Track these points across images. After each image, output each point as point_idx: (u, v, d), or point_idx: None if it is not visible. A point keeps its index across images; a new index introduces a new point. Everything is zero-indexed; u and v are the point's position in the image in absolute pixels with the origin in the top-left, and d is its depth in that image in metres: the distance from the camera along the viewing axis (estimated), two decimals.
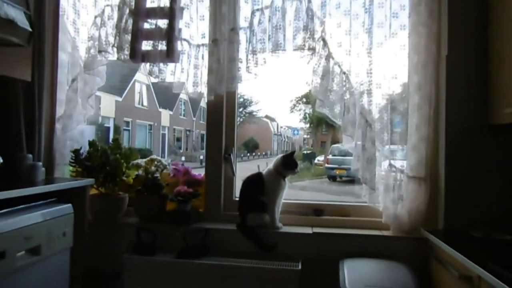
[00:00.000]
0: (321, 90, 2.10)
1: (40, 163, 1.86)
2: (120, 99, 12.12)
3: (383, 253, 1.97)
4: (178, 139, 13.14)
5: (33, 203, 1.64)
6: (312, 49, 2.08)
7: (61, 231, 1.69)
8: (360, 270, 1.85)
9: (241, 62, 2.16)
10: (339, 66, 2.11)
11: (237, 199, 2.23)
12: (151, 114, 12.98)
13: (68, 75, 2.32)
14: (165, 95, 13.02)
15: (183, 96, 12.82)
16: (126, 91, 12.13)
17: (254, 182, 2.13)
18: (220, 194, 2.29)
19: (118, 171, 2.14)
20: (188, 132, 12.90)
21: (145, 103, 13.03)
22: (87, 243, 2.01)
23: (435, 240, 1.80)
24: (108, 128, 11.95)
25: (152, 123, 12.99)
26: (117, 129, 12.11)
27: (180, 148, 12.84)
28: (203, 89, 2.22)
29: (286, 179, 2.14)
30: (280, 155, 2.16)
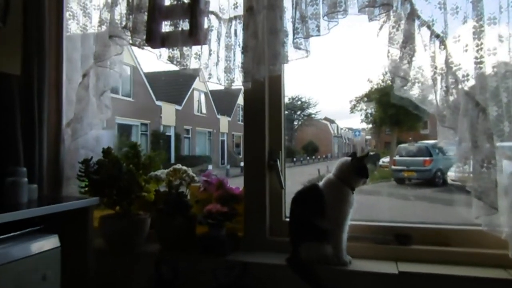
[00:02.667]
0: (402, 63, 1.40)
1: (25, 180, 1.38)
2: (180, 107, 12.10)
3: None
4: (237, 145, 12.81)
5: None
6: (387, 6, 1.39)
7: (39, 274, 1.18)
8: None
9: (287, 36, 1.54)
10: (428, 27, 1.40)
11: (288, 219, 1.59)
12: (210, 121, 12.82)
13: (81, 71, 1.86)
14: (223, 102, 12.80)
15: (240, 102, 12.50)
16: (185, 99, 12.08)
17: (309, 198, 1.47)
18: (265, 214, 1.67)
19: (133, 186, 1.61)
20: None
21: (204, 110, 12.91)
22: (92, 282, 1.49)
23: None
24: (170, 136, 11.95)
25: (211, 130, 12.83)
26: (178, 137, 12.08)
27: (239, 153, 12.49)
28: (238, 75, 1.63)
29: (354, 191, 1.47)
30: (345, 158, 1.48)
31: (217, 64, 1.65)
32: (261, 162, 1.67)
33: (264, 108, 1.68)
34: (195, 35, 1.63)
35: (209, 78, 1.66)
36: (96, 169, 1.64)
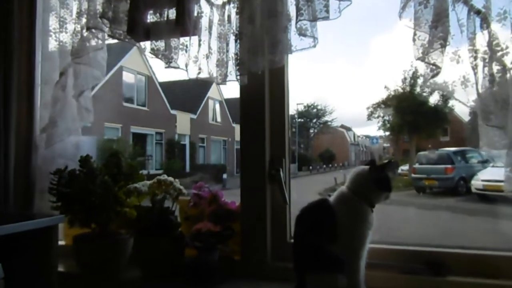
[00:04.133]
0: (433, 47, 1.10)
1: None
2: (194, 116, 11.96)
3: None
4: None
5: None
6: None
7: None
8: None
9: (289, 20, 1.26)
10: (465, 2, 1.10)
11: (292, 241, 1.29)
12: (225, 130, 12.61)
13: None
14: (238, 110, 12.62)
15: None
16: (200, 108, 11.95)
17: (317, 217, 1.17)
18: (266, 234, 1.38)
19: (107, 201, 1.35)
20: None
21: (218, 119, 12.75)
22: None
23: None
24: (185, 145, 11.80)
25: (226, 138, 12.61)
26: (193, 146, 11.91)
27: None
28: (233, 68, 1.36)
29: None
30: (361, 167, 1.16)
31: (208, 56, 1.39)
32: (261, 172, 1.38)
33: (264, 108, 1.40)
34: (183, 24, 1.37)
35: (199, 73, 1.40)
36: (67, 181, 1.38)
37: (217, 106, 12.56)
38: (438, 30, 1.10)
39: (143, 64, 10.00)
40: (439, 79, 1.14)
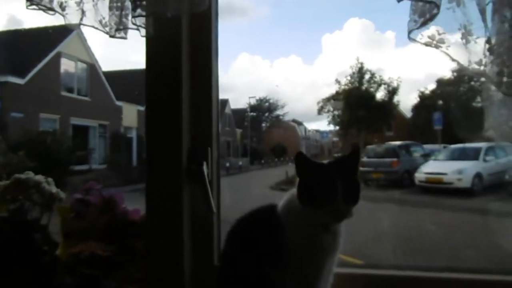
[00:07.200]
0: None
1: None
2: (142, 108, 11.11)
3: None
4: None
5: None
6: None
7: None
8: None
9: None
10: None
11: (221, 265, 0.86)
12: None
13: None
14: None
15: None
16: None
17: (258, 231, 0.75)
18: (182, 255, 0.93)
19: None
20: None
21: None
22: None
23: None
24: (131, 138, 10.94)
25: None
26: (140, 139, 11.07)
27: None
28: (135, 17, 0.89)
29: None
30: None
31: None
32: (175, 167, 0.92)
33: (180, 75, 0.94)
34: None
35: (82, 18, 0.91)
36: None
37: None
38: None
39: (84, 50, 9.03)
40: (429, 31, 0.76)
